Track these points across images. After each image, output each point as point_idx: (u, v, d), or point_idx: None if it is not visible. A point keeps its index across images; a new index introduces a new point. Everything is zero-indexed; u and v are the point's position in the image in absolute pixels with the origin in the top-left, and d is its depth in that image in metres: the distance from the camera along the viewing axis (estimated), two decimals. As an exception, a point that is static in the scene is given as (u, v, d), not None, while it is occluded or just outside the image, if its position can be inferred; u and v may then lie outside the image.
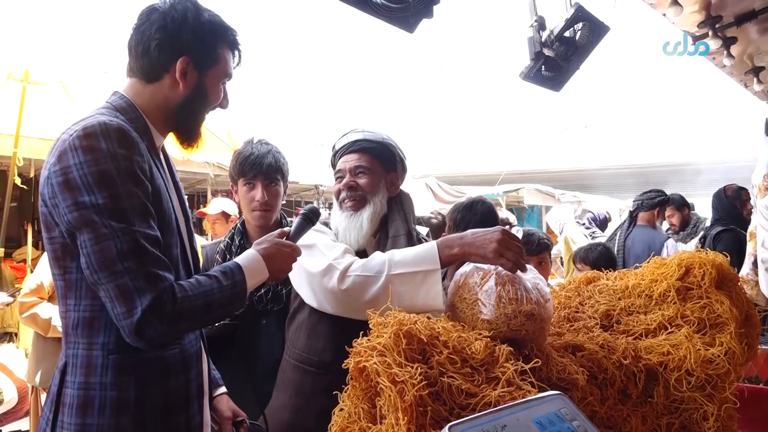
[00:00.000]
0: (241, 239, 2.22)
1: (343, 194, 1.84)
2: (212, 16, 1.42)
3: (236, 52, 1.49)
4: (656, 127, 13.83)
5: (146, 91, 1.40)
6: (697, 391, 1.42)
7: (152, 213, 1.30)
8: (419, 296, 1.52)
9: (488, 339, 1.22)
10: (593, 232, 6.08)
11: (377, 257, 1.59)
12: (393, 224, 1.85)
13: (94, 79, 4.79)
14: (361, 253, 1.79)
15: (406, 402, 1.03)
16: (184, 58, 1.37)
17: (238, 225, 2.27)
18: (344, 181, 1.84)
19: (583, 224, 6.39)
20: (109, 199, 1.23)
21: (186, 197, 1.59)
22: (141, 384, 1.33)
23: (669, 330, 1.52)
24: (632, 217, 4.77)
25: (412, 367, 1.07)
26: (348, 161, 1.85)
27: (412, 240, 1.85)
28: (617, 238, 4.74)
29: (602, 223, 6.49)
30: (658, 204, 4.74)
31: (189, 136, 1.48)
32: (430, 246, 1.55)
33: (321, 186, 10.65)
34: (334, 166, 1.92)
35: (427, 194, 10.03)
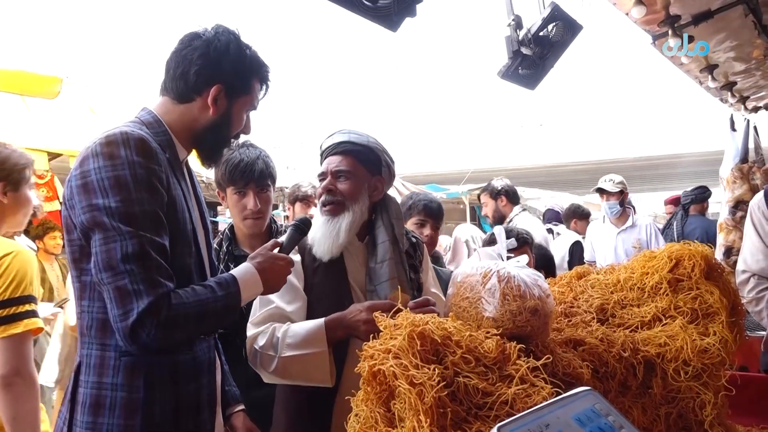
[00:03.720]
0: (229, 245, 2.18)
1: (323, 197, 1.81)
2: (253, 51, 1.51)
3: (265, 87, 1.58)
4: (615, 124, 14.18)
5: (176, 110, 1.47)
6: (693, 380, 1.45)
7: (163, 222, 1.33)
8: (309, 376, 1.63)
9: (498, 337, 1.22)
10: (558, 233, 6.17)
11: (276, 333, 1.65)
12: (378, 231, 1.83)
13: (54, 85, 4.60)
14: (338, 262, 1.77)
15: (426, 404, 1.02)
16: (219, 86, 1.44)
17: (227, 231, 2.22)
18: (324, 183, 1.81)
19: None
20: (122, 203, 1.27)
21: (207, 210, 1.66)
22: (150, 386, 1.35)
23: (664, 322, 1.55)
24: (685, 209, 5.66)
25: (429, 369, 1.06)
26: (331, 163, 1.82)
27: (398, 247, 1.82)
28: (674, 227, 5.55)
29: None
30: (707, 197, 5.74)
31: (211, 156, 1.56)
32: (318, 327, 1.62)
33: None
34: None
35: (393, 195, 10.02)
